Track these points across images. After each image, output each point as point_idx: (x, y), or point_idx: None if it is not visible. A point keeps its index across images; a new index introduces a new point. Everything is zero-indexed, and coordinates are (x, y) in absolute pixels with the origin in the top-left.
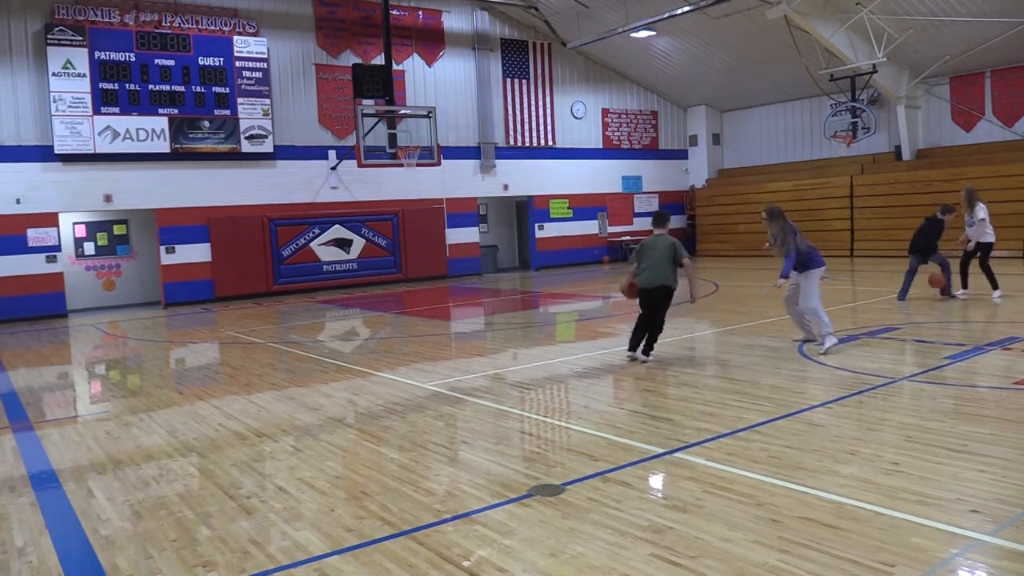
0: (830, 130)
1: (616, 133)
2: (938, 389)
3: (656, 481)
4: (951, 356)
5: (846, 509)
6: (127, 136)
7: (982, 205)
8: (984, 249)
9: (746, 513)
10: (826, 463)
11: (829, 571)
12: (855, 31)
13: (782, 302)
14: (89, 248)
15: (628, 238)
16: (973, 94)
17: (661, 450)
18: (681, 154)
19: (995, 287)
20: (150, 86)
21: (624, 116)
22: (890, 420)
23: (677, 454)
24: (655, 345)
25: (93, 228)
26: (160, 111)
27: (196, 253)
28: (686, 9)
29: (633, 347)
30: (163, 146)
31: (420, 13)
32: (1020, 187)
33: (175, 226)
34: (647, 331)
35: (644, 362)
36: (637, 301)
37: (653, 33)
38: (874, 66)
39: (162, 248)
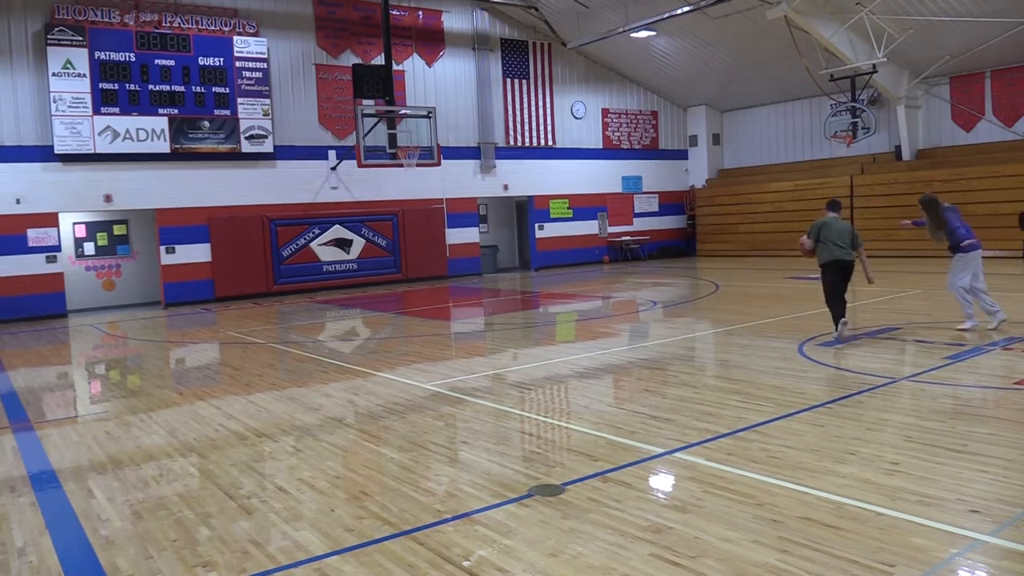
0: (830, 130)
1: (616, 133)
2: (938, 389)
3: (656, 481)
4: (951, 356)
5: (846, 509)
6: (127, 136)
7: None
8: None
9: (746, 513)
10: (826, 463)
11: (829, 571)
12: (855, 31)
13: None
14: (89, 248)
15: (628, 238)
16: (973, 94)
17: (661, 450)
18: (681, 154)
19: None
20: (150, 86)
21: (624, 116)
22: (890, 420)
23: (677, 454)
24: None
25: (93, 228)
26: (160, 111)
27: (196, 253)
28: (686, 9)
29: (840, 316)
30: (163, 146)
31: (420, 13)
32: (1020, 187)
33: (175, 226)
34: (842, 300)
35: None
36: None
37: (653, 33)
38: (874, 66)
39: (162, 248)
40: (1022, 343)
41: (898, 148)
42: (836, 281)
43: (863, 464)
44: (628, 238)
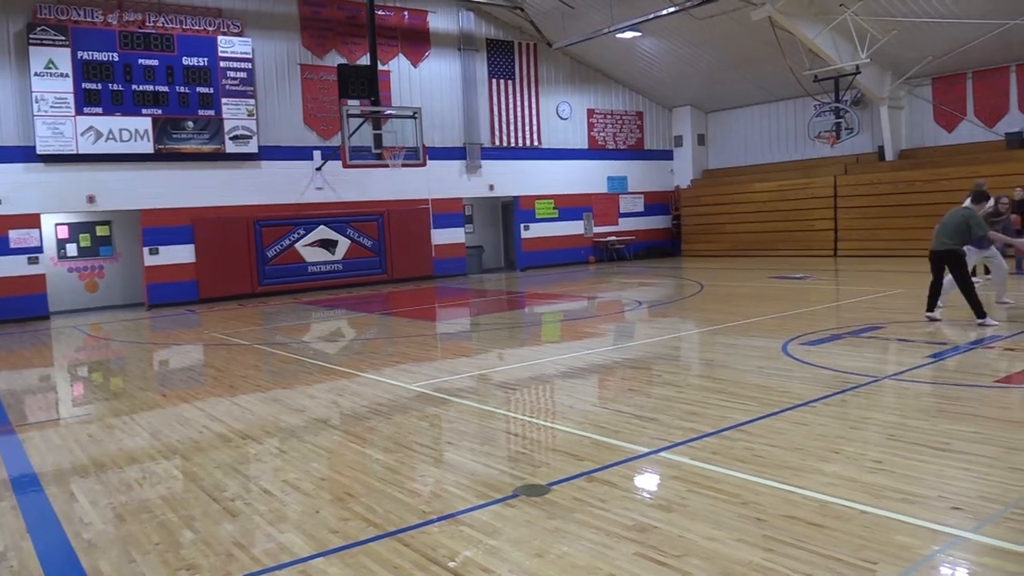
0: (814, 131)
1: (601, 133)
2: (921, 388)
3: (641, 480)
4: (934, 355)
5: (830, 507)
6: (110, 136)
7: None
8: None
9: (731, 512)
10: (810, 462)
11: (813, 569)
12: (838, 32)
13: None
14: (72, 249)
15: (614, 238)
16: (955, 95)
17: (646, 449)
18: (666, 154)
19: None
20: (133, 86)
21: (609, 116)
22: (873, 419)
23: (662, 453)
24: (983, 311)
25: (76, 229)
26: (144, 111)
27: (180, 254)
28: (671, 10)
29: (929, 307)
30: (147, 147)
31: (405, 13)
32: (1002, 187)
33: (159, 227)
34: (935, 291)
35: (983, 324)
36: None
37: (638, 34)
38: (857, 67)
39: (145, 249)
40: (1003, 341)
41: (881, 148)
42: (934, 271)
43: (847, 462)
44: (613, 238)
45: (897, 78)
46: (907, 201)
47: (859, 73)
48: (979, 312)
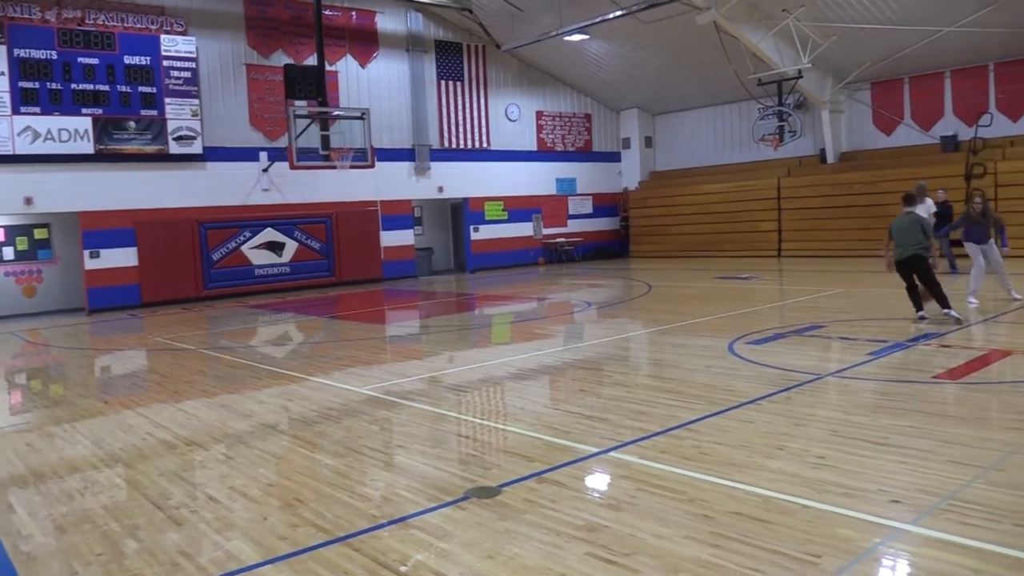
0: (758, 133)
1: (550, 135)
2: (861, 384)
3: (591, 480)
4: (874, 352)
5: (774, 503)
6: (49, 137)
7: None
8: None
9: (678, 509)
10: (755, 458)
11: (759, 563)
12: (781, 37)
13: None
14: (8, 253)
15: (563, 240)
16: (893, 99)
17: (596, 449)
18: (614, 156)
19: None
20: (73, 85)
21: (558, 119)
22: (816, 415)
23: (611, 453)
24: (948, 302)
25: (12, 232)
26: (84, 111)
27: (122, 257)
28: (618, 13)
29: (917, 308)
30: (87, 147)
31: (353, 14)
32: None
33: (100, 229)
34: (917, 292)
35: (947, 315)
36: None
37: (586, 37)
38: (799, 71)
39: (86, 252)
40: (939, 339)
41: (822, 151)
42: (907, 277)
43: (791, 458)
44: (563, 240)
45: (838, 82)
46: (847, 203)
47: (801, 77)
48: (944, 303)
